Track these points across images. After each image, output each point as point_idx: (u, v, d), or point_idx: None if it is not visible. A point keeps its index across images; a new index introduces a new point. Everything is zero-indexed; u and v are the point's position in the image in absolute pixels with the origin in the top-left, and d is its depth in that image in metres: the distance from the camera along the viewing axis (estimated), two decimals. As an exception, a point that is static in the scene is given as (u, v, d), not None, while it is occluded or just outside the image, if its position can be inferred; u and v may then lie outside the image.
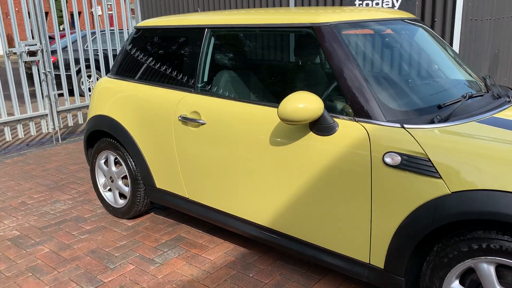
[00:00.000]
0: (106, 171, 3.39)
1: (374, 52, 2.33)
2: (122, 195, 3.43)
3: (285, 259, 2.73)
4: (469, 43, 4.32)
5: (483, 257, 1.73)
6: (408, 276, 2.01)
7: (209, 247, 2.91)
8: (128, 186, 3.27)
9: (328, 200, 2.14)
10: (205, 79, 2.69)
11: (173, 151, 2.82)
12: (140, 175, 3.14)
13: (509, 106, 2.25)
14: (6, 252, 2.94)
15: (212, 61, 2.70)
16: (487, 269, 1.74)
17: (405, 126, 1.95)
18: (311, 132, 2.15)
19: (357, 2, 4.60)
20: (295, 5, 5.14)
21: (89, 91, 9.55)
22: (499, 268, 1.74)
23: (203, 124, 2.59)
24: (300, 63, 2.48)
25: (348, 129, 2.05)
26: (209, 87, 2.67)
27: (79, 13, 33.32)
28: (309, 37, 2.33)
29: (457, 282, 1.85)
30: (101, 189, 3.48)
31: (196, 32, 2.75)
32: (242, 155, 2.43)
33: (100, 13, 26.74)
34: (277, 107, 2.32)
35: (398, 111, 2.03)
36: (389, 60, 2.37)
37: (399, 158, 1.88)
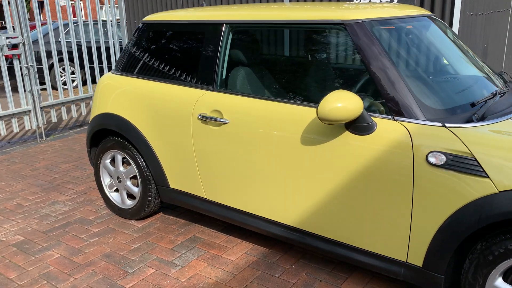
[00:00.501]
0: (112, 171, 3.27)
1: (405, 49, 2.32)
2: (129, 196, 3.32)
3: (308, 257, 2.71)
4: (466, 38, 4.40)
5: (531, 255, 1.76)
6: (447, 273, 2.03)
7: (227, 247, 2.86)
8: (137, 186, 3.17)
9: (364, 200, 2.12)
10: (225, 76, 2.62)
11: (191, 150, 2.74)
12: (151, 174, 3.04)
13: (535, 103, 2.28)
14: (13, 259, 2.80)
15: (233, 58, 2.63)
16: (534, 266, 1.77)
17: (447, 125, 1.95)
18: (347, 131, 2.12)
19: (355, -4, 4.58)
20: (290, 0, 5.08)
21: (65, 85, 9.21)
22: (545, 265, 1.78)
23: (225, 123, 2.52)
24: (329, 60, 2.44)
25: (387, 128, 2.04)
26: (230, 85, 2.60)
27: (41, 3, 32.04)
28: (340, 34, 2.29)
29: (500, 279, 1.87)
30: (106, 190, 3.36)
31: (214, 27, 2.66)
32: (270, 154, 2.38)
33: (63, 3, 25.84)
34: (307, 105, 2.28)
35: (436, 109, 2.03)
36: (419, 58, 2.36)
37: (444, 157, 1.88)
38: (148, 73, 3.00)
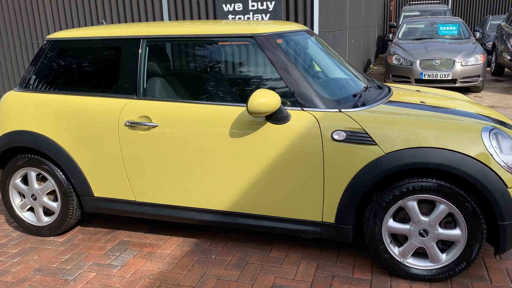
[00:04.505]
0: (25, 189, 3.22)
1: (299, 56, 2.91)
2: (46, 212, 3.29)
3: (235, 239, 3.11)
4: (323, 51, 5.31)
5: (410, 197, 2.45)
6: (354, 224, 2.63)
7: (159, 244, 3.09)
8: (55, 201, 3.19)
9: (287, 176, 2.62)
10: (148, 85, 2.89)
11: (119, 156, 2.92)
12: (73, 187, 3.11)
13: (392, 93, 3.07)
14: None
15: (153, 69, 2.92)
16: (412, 205, 2.47)
17: (342, 110, 2.57)
18: (268, 122, 2.60)
19: (230, 16, 5.18)
20: (170, 19, 5.46)
21: None
22: (419, 204, 2.48)
23: (155, 126, 2.80)
24: (241, 66, 2.91)
25: (299, 117, 2.58)
26: (152, 92, 2.88)
27: None
28: (249, 45, 2.78)
29: (391, 219, 2.54)
30: (17, 211, 3.28)
31: (133, 42, 2.92)
32: (200, 150, 2.73)
33: None
34: (230, 105, 2.71)
35: (332, 100, 2.65)
36: (309, 62, 2.98)
37: (344, 134, 2.48)
38: (62, 87, 3.08)
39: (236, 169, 2.70)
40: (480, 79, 8.36)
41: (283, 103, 2.66)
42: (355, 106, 2.65)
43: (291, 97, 2.64)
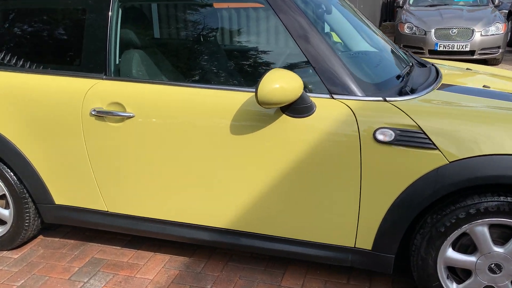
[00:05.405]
0: (-33, 193, 2.51)
1: (324, 21, 2.17)
2: (-5, 221, 2.61)
3: (236, 259, 2.45)
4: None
5: (480, 220, 1.78)
6: (397, 252, 1.97)
7: (139, 264, 2.43)
8: (7, 208, 2.50)
9: (307, 188, 1.94)
10: (122, 61, 2.16)
11: (84, 155, 2.22)
12: (28, 191, 2.41)
13: (442, 74, 2.35)
14: None
15: (130, 38, 2.18)
16: (482, 230, 1.80)
17: (387, 99, 1.86)
18: (284, 114, 1.90)
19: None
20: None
21: None
22: (489, 229, 1.82)
23: (130, 117, 2.08)
24: (248, 37, 2.17)
25: (328, 108, 1.87)
26: (129, 70, 2.15)
27: None
28: (259, 7, 2.04)
29: (450, 249, 1.88)
30: (-40, 219, 2.58)
31: (98, 1, 2.16)
32: (192, 149, 2.03)
33: None
34: (232, 89, 1.99)
35: (371, 84, 1.93)
36: (337, 30, 2.25)
37: (393, 133, 1.79)
38: (8, 64, 2.34)
39: (240, 176, 2.01)
40: (500, 50, 7.61)
41: (304, 88, 1.95)
42: (403, 93, 1.94)
43: (315, 80, 1.93)
